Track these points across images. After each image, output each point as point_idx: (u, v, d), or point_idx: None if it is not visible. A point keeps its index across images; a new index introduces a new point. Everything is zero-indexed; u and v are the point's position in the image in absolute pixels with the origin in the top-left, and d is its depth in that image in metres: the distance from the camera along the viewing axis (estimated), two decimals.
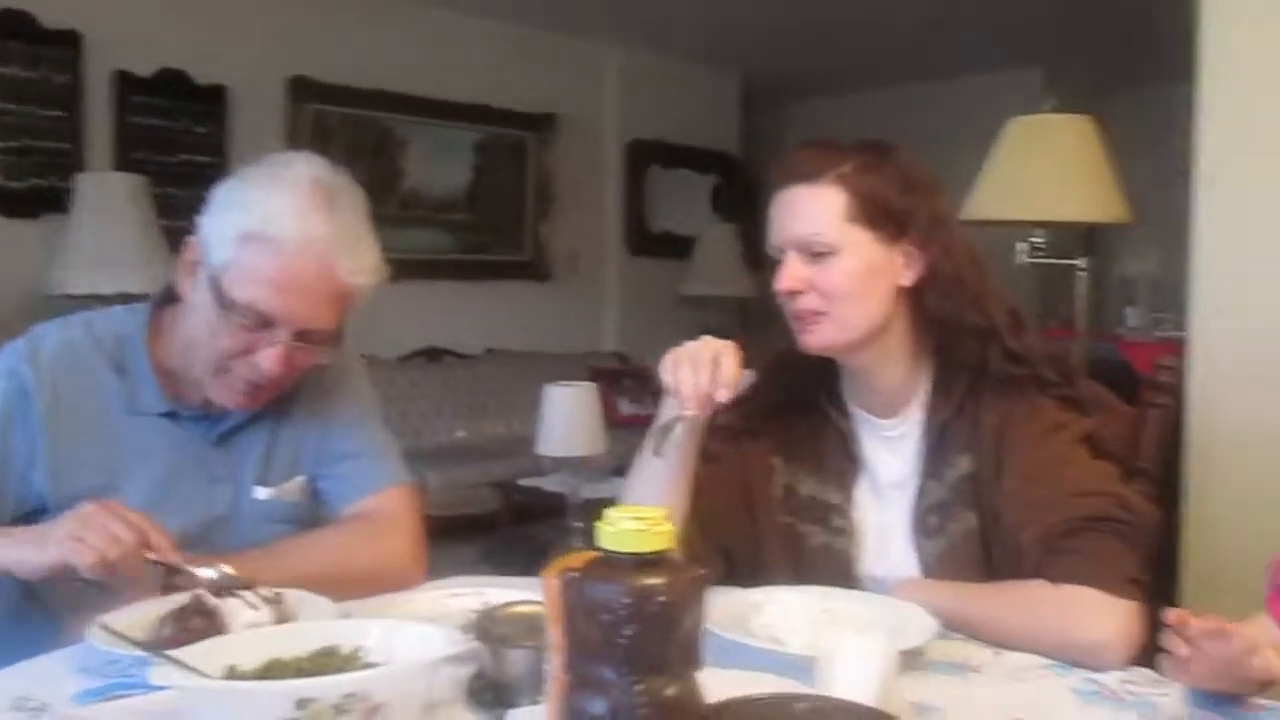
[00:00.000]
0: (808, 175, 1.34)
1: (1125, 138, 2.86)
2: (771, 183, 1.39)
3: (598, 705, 0.67)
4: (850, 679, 0.86)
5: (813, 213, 1.33)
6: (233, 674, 0.96)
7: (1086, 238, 3.64)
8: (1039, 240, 2.78)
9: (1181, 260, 2.22)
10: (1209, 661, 1.01)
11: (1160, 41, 4.61)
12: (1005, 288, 1.40)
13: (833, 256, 1.32)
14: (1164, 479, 1.63)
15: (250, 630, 1.10)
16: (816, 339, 1.36)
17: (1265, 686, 1.03)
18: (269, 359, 1.34)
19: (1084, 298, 2.79)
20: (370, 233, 1.39)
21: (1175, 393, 1.71)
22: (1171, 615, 1.01)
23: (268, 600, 1.16)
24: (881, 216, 1.33)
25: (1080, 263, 2.80)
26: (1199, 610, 2.02)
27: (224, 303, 1.32)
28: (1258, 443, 1.99)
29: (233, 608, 1.14)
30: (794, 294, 1.35)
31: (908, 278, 1.35)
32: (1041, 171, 2.62)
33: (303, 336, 1.35)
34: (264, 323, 1.33)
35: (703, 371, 1.28)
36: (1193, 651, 1.01)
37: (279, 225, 1.31)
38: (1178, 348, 2.57)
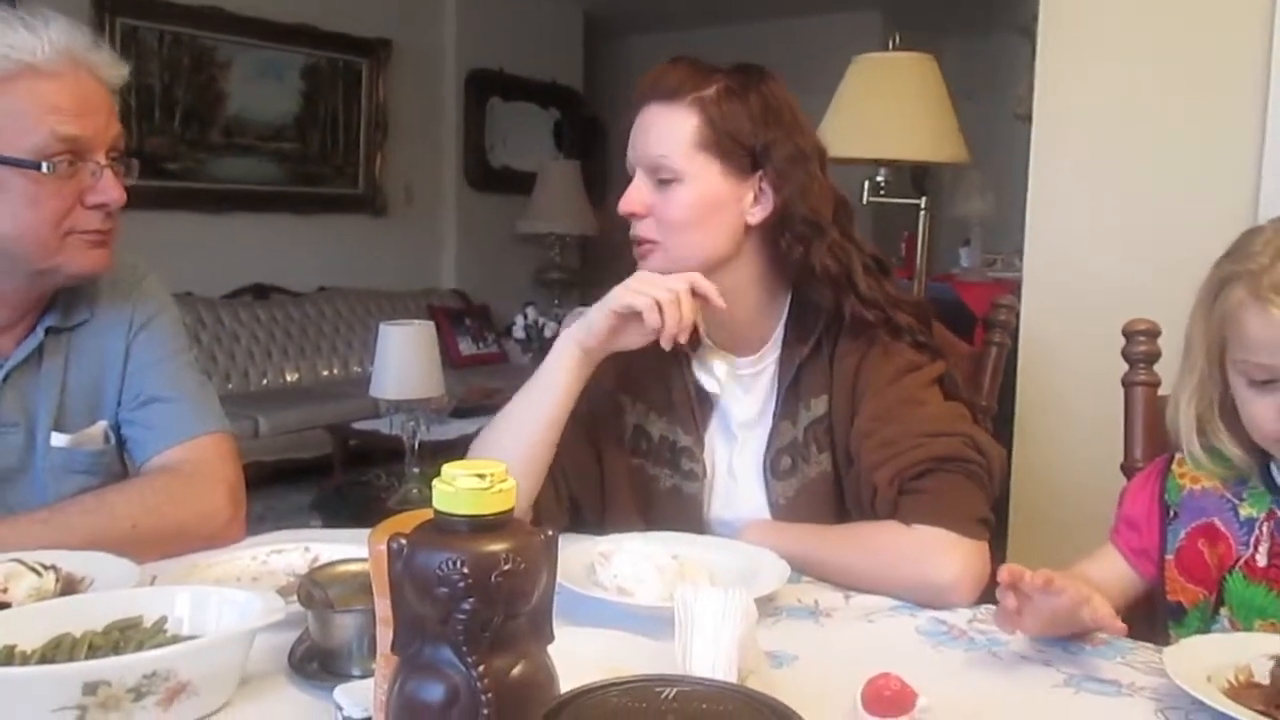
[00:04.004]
0: (667, 94, 1.28)
1: (957, 81, 2.89)
2: (635, 97, 1.32)
3: (434, 690, 0.58)
4: (709, 635, 0.81)
5: (663, 134, 1.28)
6: (10, 656, 0.84)
7: (921, 178, 3.70)
8: (880, 180, 2.79)
9: (1012, 202, 2.26)
10: (1041, 614, 1.01)
11: None
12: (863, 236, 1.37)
13: (676, 184, 1.27)
14: (1000, 414, 1.66)
15: (33, 601, 0.96)
16: (646, 268, 1.30)
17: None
18: (109, 185, 1.25)
19: (924, 237, 2.83)
20: None
21: (1014, 331, 1.74)
22: (1005, 574, 1.00)
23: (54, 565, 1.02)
24: (733, 148, 1.27)
25: (921, 202, 2.84)
26: (1027, 540, 2.10)
27: (26, 163, 1.20)
28: (1081, 379, 2.06)
29: (11, 574, 0.99)
30: (633, 216, 1.30)
31: (755, 215, 1.30)
32: (886, 109, 2.62)
33: (113, 155, 1.27)
34: (77, 150, 1.23)
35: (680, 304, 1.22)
36: (1025, 605, 1.01)
37: (21, 54, 1.20)
38: (1012, 287, 2.65)
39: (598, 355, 1.29)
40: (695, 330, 1.26)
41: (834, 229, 1.30)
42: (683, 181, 1.27)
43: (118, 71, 1.28)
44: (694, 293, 1.23)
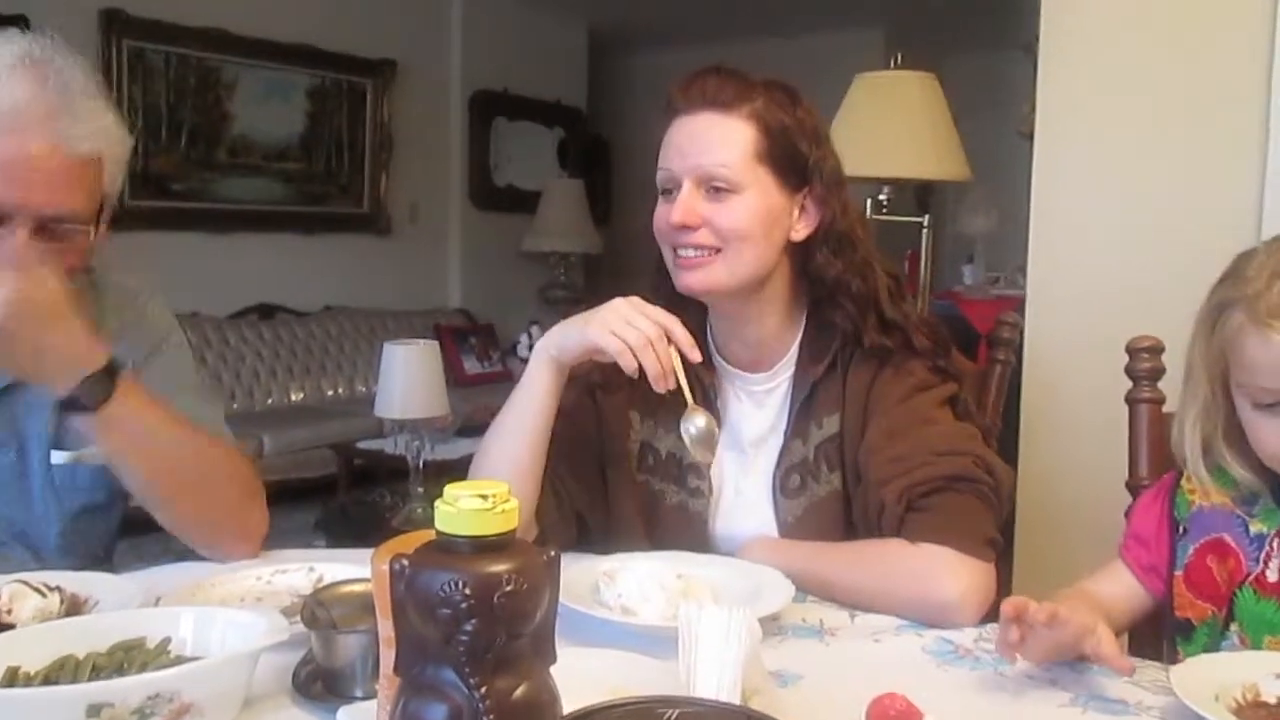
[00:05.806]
0: (720, 103, 1.25)
1: (959, 99, 2.91)
2: (671, 106, 1.29)
3: (436, 712, 0.58)
4: (713, 654, 0.81)
5: (720, 143, 1.25)
6: (14, 677, 0.84)
7: (924, 195, 3.71)
8: (884, 197, 2.80)
9: (1015, 219, 2.26)
10: (1044, 645, 1.01)
11: (994, 8, 4.75)
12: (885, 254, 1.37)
13: (733, 195, 1.25)
14: (1005, 431, 1.65)
15: (37, 622, 0.96)
16: (702, 280, 1.27)
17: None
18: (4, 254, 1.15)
19: (928, 255, 2.84)
20: (99, 96, 1.24)
21: (1018, 349, 1.74)
22: (1009, 607, 0.99)
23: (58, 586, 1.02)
24: (788, 162, 1.27)
25: (924, 220, 2.85)
26: (1031, 557, 2.09)
27: None
28: (1085, 396, 2.05)
29: (16, 595, 0.99)
30: (686, 229, 1.26)
31: (800, 231, 1.30)
32: (889, 128, 2.63)
33: (50, 225, 1.19)
34: None
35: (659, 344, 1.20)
36: (1028, 635, 1.00)
37: None
38: (1015, 304, 2.65)
39: (571, 365, 1.28)
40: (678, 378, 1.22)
41: (866, 249, 1.31)
42: (739, 193, 1.25)
43: (95, 143, 1.21)
44: (669, 339, 1.21)
